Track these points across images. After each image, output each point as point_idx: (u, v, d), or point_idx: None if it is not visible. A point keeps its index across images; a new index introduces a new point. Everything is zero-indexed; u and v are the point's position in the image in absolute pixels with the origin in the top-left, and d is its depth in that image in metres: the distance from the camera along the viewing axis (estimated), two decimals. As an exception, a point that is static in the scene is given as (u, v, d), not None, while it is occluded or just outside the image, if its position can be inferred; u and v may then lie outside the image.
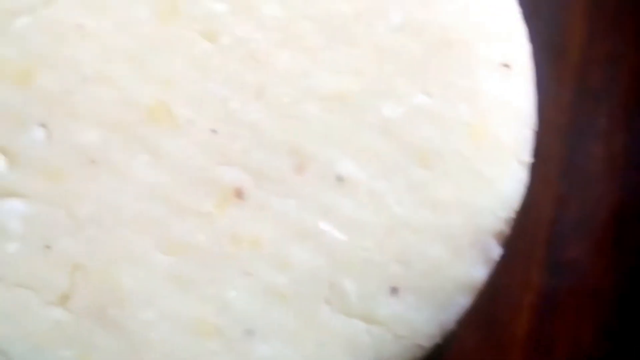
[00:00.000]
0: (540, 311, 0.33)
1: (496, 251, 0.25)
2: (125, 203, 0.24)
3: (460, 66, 0.25)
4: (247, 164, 0.24)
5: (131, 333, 0.23)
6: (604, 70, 0.34)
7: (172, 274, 0.24)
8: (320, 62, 0.25)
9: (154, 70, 0.24)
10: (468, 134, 0.25)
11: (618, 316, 0.33)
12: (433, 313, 0.24)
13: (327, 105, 0.25)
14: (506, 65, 0.25)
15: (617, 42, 0.34)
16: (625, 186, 0.33)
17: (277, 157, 0.24)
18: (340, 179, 0.24)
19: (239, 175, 0.24)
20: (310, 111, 0.25)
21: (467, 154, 0.25)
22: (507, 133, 0.25)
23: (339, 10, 0.25)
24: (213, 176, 0.24)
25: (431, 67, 0.25)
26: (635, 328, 0.32)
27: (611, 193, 0.33)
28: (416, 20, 0.25)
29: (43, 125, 0.24)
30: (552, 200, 0.33)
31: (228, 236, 0.24)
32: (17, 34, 0.24)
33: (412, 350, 0.24)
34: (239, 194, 0.24)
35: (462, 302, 0.24)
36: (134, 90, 0.24)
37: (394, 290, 0.24)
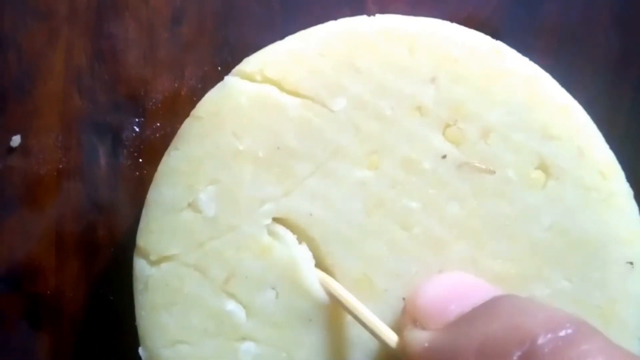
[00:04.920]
0: None
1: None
2: (331, 353, 0.32)
3: (595, 261, 0.32)
4: (425, 325, 0.32)
5: None
6: None
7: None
8: (486, 250, 0.32)
9: (361, 250, 0.32)
10: (599, 315, 0.32)
11: None
12: None
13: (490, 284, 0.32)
14: (631, 263, 0.32)
15: None
16: None
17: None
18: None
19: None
20: (477, 289, 0.32)
21: (597, 331, 0.32)
22: (631, 317, 0.32)
23: (503, 211, 0.32)
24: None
25: (572, 260, 0.32)
26: None
27: None
28: (562, 224, 0.32)
29: (274, 288, 0.32)
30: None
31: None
32: (262, 216, 0.32)
33: None
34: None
35: None
36: (346, 265, 0.32)
37: None
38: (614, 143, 0.33)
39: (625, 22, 0.38)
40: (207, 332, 0.32)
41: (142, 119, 0.38)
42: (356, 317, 0.30)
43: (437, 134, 0.32)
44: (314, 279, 0.31)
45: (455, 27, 0.33)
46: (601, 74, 0.39)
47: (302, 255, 0.32)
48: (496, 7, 0.38)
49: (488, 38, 0.33)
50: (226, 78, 0.32)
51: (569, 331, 0.24)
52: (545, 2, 0.38)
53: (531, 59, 0.33)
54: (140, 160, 0.38)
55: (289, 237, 0.32)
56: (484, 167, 0.32)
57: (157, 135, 0.38)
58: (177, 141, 0.32)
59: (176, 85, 0.38)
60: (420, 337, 0.28)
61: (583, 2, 0.38)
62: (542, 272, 0.32)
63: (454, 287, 0.29)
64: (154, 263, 0.32)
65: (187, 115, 0.33)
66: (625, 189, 0.33)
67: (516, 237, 0.32)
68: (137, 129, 0.38)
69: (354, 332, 0.32)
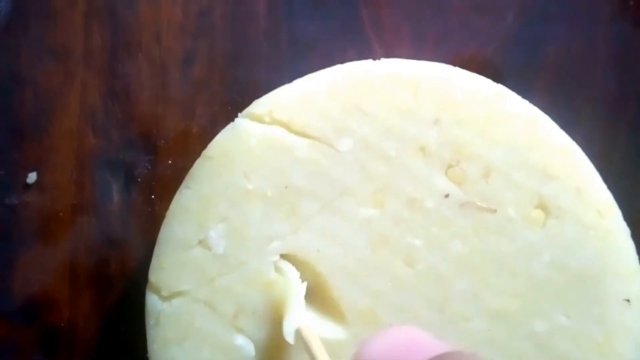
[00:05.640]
0: None
1: None
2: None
3: (593, 298, 0.33)
4: (428, 360, 0.33)
5: None
6: None
7: None
8: (488, 286, 0.33)
9: (367, 285, 0.33)
10: (597, 350, 0.33)
11: None
12: None
13: (491, 320, 0.33)
14: (627, 300, 0.33)
15: None
16: None
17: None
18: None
19: (422, 368, 0.33)
20: (478, 325, 0.33)
21: (596, 366, 0.33)
22: (629, 352, 0.33)
23: (504, 249, 0.33)
24: (403, 367, 0.33)
25: (571, 296, 0.33)
26: None
27: None
28: (561, 261, 0.33)
29: (277, 323, 0.33)
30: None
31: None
32: (270, 252, 0.33)
33: None
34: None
35: None
36: (352, 299, 0.33)
37: None
38: (611, 181, 0.34)
39: (622, 62, 0.40)
40: (217, 366, 0.33)
41: (154, 156, 0.39)
42: None
43: (440, 174, 0.33)
44: (295, 319, 0.32)
45: (458, 71, 0.34)
46: (598, 113, 0.40)
47: (296, 293, 0.32)
48: (497, 49, 0.40)
49: (489, 81, 0.34)
50: (236, 120, 0.34)
51: None
52: (544, 43, 0.40)
53: (530, 98, 0.34)
54: (152, 196, 0.39)
55: (292, 273, 0.33)
56: (485, 206, 0.33)
57: (169, 172, 0.39)
58: (188, 180, 0.33)
59: (187, 123, 0.39)
60: None
61: (581, 43, 0.40)
62: (542, 307, 0.33)
63: (401, 343, 0.27)
64: (165, 298, 0.33)
65: (197, 152, 0.34)
66: (622, 228, 0.34)
67: (517, 273, 0.33)
68: (149, 166, 0.39)
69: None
